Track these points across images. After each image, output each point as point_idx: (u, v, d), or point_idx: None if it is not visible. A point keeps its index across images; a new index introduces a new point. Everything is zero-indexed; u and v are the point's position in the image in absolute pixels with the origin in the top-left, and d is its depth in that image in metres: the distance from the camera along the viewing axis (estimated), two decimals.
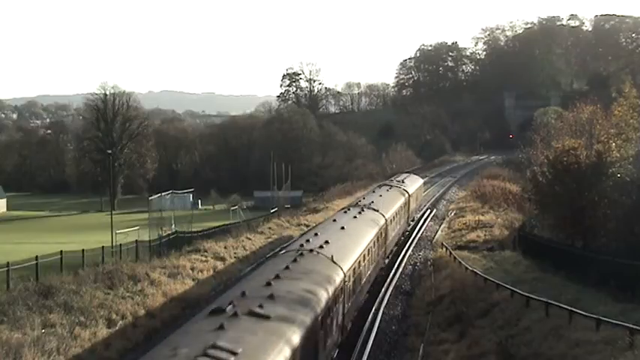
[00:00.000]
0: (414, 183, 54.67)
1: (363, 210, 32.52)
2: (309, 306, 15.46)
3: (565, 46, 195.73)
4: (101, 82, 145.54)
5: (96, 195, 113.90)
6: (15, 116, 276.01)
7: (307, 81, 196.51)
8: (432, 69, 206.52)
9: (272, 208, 73.76)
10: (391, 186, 47.34)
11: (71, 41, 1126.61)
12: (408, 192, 46.66)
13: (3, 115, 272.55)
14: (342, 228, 26.19)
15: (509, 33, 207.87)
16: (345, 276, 20.43)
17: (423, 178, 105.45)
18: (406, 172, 73.13)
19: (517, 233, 42.47)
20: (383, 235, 32.26)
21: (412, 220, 52.07)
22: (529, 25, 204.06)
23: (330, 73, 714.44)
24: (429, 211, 63.44)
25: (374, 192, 44.21)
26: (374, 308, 28.58)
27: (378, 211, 33.29)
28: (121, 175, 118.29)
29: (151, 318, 27.71)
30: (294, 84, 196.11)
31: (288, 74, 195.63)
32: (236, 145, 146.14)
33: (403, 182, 50.80)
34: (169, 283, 32.57)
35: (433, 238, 48.79)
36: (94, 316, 25.55)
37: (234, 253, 42.91)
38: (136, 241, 40.35)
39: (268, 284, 15.78)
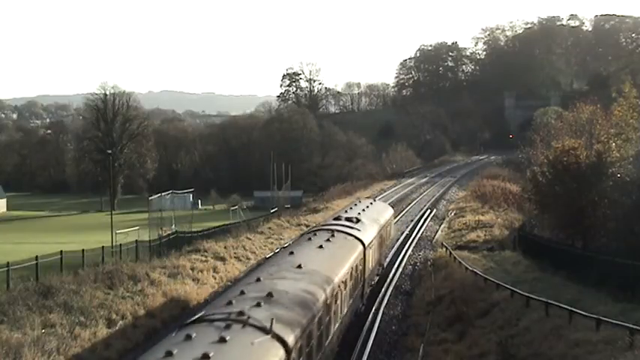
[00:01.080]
0: (376, 220, 32.14)
1: (228, 329, 12.34)
2: None
3: (565, 46, 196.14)
4: (101, 82, 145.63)
5: (96, 195, 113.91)
6: (15, 116, 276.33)
7: (307, 81, 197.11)
8: (432, 69, 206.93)
9: (272, 208, 73.75)
10: (333, 231, 25.33)
11: (71, 41, 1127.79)
12: (362, 241, 25.78)
13: (3, 115, 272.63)
14: None
15: (509, 33, 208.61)
16: None
17: (423, 177, 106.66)
18: (369, 199, 48.65)
19: (517, 233, 42.51)
20: None
21: (376, 279, 32.13)
22: (529, 25, 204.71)
23: (330, 73, 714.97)
24: (429, 211, 63.54)
25: (292, 253, 20.81)
26: (374, 308, 28.59)
27: (269, 331, 12.73)
28: (121, 175, 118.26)
29: (151, 318, 27.72)
30: (294, 84, 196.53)
31: (288, 74, 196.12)
32: (236, 145, 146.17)
33: (357, 221, 28.69)
34: (169, 283, 32.58)
35: (433, 238, 48.86)
36: (94, 316, 25.55)
37: (234, 253, 42.92)
38: (136, 241, 40.32)
39: None
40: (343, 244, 24.22)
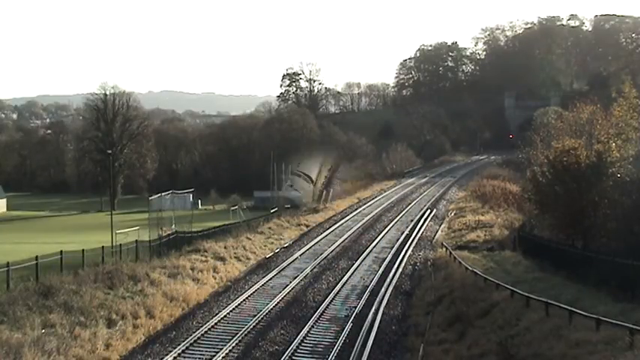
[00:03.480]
0: None
1: None
2: None
3: (565, 46, 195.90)
4: (101, 82, 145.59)
5: (96, 195, 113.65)
6: (15, 116, 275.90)
7: (307, 81, 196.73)
8: (432, 69, 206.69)
9: (272, 208, 73.76)
10: None
11: (71, 41, 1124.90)
12: None
13: (3, 115, 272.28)
14: None
15: (509, 33, 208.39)
16: None
17: (423, 177, 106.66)
18: None
19: (517, 233, 42.53)
20: None
21: None
22: (529, 25, 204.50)
23: (330, 73, 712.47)
24: (429, 211, 63.57)
25: None
26: (374, 308, 28.60)
27: None
28: (121, 175, 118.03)
29: (151, 318, 27.71)
30: (294, 84, 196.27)
31: (288, 74, 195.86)
32: (236, 145, 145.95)
33: None
34: (169, 283, 32.59)
35: (433, 238, 48.89)
36: (94, 316, 25.55)
37: (234, 253, 42.92)
38: (136, 241, 40.28)
39: None
40: None
